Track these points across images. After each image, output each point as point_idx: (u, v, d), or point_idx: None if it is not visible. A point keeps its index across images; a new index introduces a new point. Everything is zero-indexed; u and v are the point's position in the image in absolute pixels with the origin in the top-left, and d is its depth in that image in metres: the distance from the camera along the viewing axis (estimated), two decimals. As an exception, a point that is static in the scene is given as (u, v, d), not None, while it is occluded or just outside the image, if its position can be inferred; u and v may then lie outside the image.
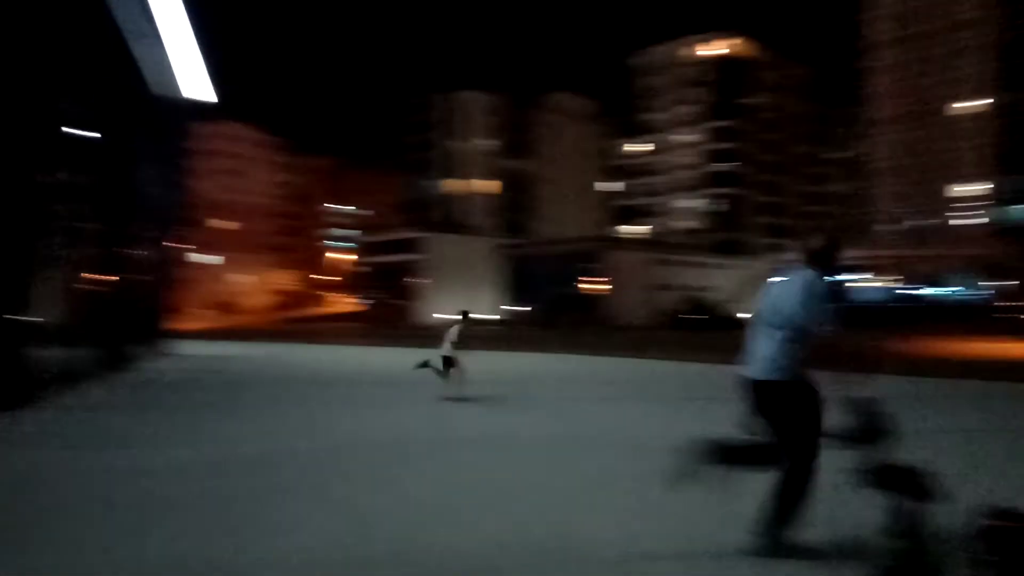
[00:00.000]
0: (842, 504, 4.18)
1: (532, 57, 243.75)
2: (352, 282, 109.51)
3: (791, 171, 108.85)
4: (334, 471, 6.30)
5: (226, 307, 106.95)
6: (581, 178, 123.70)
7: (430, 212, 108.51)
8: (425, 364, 12.38)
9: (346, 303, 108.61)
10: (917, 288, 68.67)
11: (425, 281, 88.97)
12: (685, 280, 78.48)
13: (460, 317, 12.69)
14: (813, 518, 3.82)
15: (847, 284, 72.69)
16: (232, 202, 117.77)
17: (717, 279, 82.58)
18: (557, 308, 71.79)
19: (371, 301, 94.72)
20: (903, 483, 2.36)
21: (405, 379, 13.50)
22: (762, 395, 4.04)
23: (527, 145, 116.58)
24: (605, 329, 58.86)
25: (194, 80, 17.93)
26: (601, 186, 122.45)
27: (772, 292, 4.27)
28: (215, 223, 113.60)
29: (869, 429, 2.44)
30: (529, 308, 77.61)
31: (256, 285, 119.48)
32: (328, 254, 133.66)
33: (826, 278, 4.08)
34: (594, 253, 77.17)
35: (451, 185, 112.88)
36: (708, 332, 55.48)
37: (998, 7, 75.98)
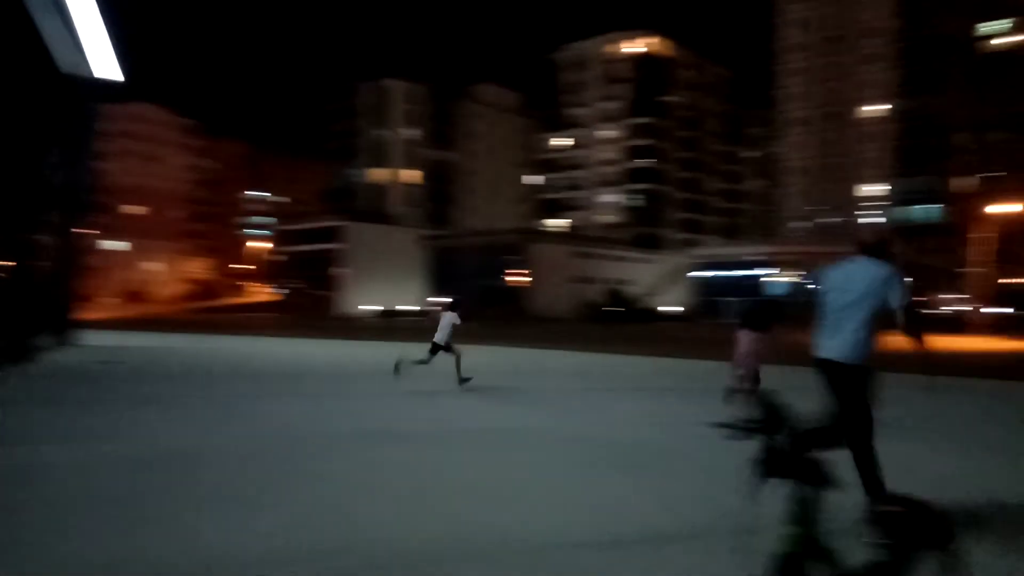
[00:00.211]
0: (747, 493, 4.37)
1: (458, 48, 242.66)
2: (269, 271, 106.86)
3: (707, 169, 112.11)
4: (258, 467, 6.18)
5: (136, 296, 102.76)
6: (506, 170, 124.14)
7: (353, 201, 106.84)
8: (397, 368, 12.39)
9: (264, 293, 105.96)
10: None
11: (346, 271, 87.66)
12: (606, 273, 79.96)
13: (451, 303, 12.93)
14: (721, 507, 4.03)
15: (761, 279, 75.53)
16: (143, 187, 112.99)
17: (636, 272, 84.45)
18: (480, 300, 72.00)
19: (288, 291, 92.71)
20: (801, 471, 2.41)
21: (328, 371, 13.32)
22: (839, 375, 4.48)
23: (452, 136, 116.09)
24: (528, 321, 59.38)
25: (102, 58, 17.13)
26: (526, 179, 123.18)
27: (839, 282, 4.66)
28: (125, 208, 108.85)
29: (770, 420, 2.43)
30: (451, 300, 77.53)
31: (168, 273, 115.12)
32: (247, 243, 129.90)
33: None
34: (517, 245, 77.65)
35: (375, 174, 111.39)
36: (628, 324, 56.76)
37: (900, 17, 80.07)
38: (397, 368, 12.52)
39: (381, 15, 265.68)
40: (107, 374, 13.59)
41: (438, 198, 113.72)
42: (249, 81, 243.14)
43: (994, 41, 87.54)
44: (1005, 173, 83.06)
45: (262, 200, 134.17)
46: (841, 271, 4.70)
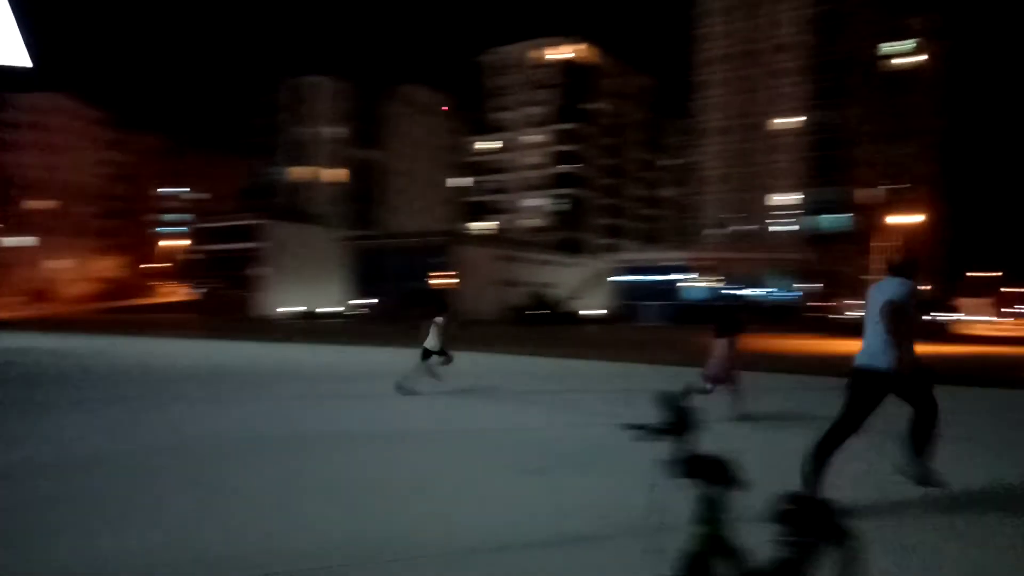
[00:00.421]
0: (658, 493, 4.65)
1: (386, 47, 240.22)
2: (184, 270, 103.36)
3: (629, 175, 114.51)
4: (168, 472, 6.15)
5: (41, 295, 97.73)
6: (432, 172, 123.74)
7: (274, 199, 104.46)
8: (400, 386, 12.15)
9: (178, 293, 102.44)
10: (738, 289, 74.48)
11: (266, 271, 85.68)
12: (530, 276, 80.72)
13: (435, 307, 13.03)
14: (634, 507, 4.28)
15: (678, 283, 77.67)
16: (50, 180, 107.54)
17: (560, 276, 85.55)
18: (405, 302, 71.57)
19: (204, 291, 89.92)
20: (708, 472, 2.48)
21: (243, 374, 13.16)
22: (870, 379, 5.12)
23: (378, 135, 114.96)
24: (453, 324, 59.53)
25: (7, 43, 16.41)
26: (452, 181, 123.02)
27: (874, 298, 5.27)
28: (30, 203, 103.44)
29: (678, 422, 2.54)
30: (375, 302, 76.81)
31: (76, 272, 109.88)
32: (161, 240, 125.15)
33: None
34: (443, 248, 77.54)
35: (297, 172, 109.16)
36: (552, 327, 57.49)
37: (810, 35, 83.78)
38: (402, 388, 12.08)
39: (307, 10, 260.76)
40: (9, 377, 13.08)
41: (363, 198, 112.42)
42: (167, 73, 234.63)
43: (896, 60, 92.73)
44: (906, 185, 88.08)
45: (178, 196, 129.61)
46: (876, 289, 5.33)
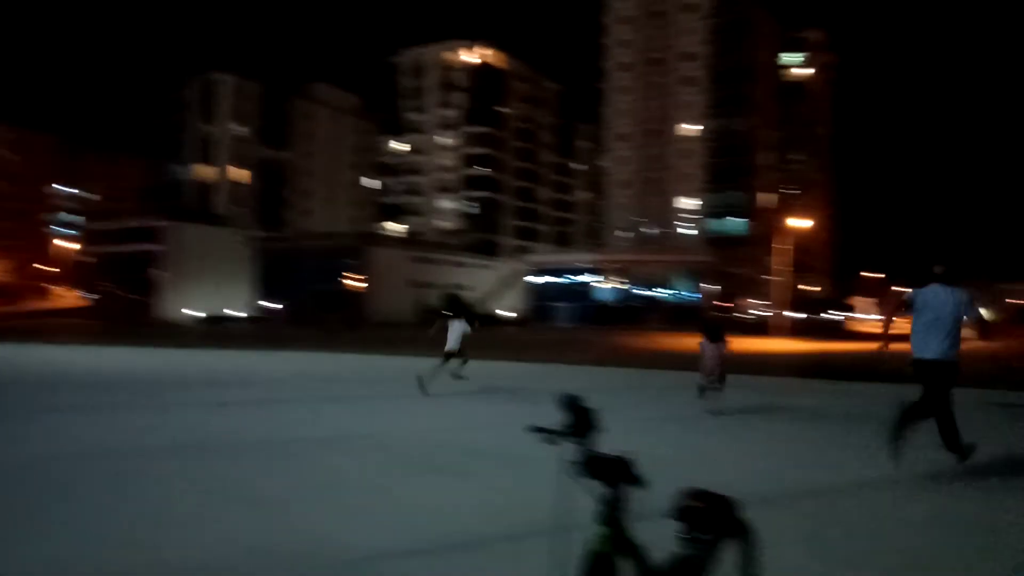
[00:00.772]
0: (561, 495, 4.89)
1: (294, 46, 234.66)
2: (78, 273, 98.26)
3: (541, 179, 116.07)
4: (71, 481, 6.12)
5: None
6: (343, 173, 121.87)
7: (177, 200, 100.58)
8: (421, 383, 12.22)
9: (72, 297, 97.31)
10: (644, 290, 76.76)
11: (167, 274, 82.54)
12: (444, 278, 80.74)
13: (459, 312, 13.73)
14: (539, 509, 4.39)
15: (590, 285, 79.38)
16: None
17: (474, 278, 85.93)
18: (315, 305, 70.36)
19: (100, 295, 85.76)
20: (610, 472, 2.52)
21: (133, 381, 12.83)
22: (936, 370, 6.21)
23: (287, 135, 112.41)
24: (365, 327, 58.84)
25: None
26: (364, 182, 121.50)
27: (931, 302, 6.31)
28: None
29: (580, 423, 2.56)
30: (283, 305, 75.16)
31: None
32: (54, 242, 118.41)
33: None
34: (354, 250, 76.65)
35: (201, 172, 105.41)
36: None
37: (713, 44, 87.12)
38: (421, 384, 12.40)
39: (215, 7, 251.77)
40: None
41: (271, 199, 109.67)
42: (65, 70, 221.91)
43: (790, 72, 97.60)
44: (799, 190, 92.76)
45: (73, 197, 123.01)
46: (930, 294, 6.36)
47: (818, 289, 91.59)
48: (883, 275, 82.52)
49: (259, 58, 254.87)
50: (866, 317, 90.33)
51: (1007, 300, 72.07)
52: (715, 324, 12.16)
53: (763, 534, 2.79)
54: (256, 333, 48.70)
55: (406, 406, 11.31)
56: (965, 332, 6.30)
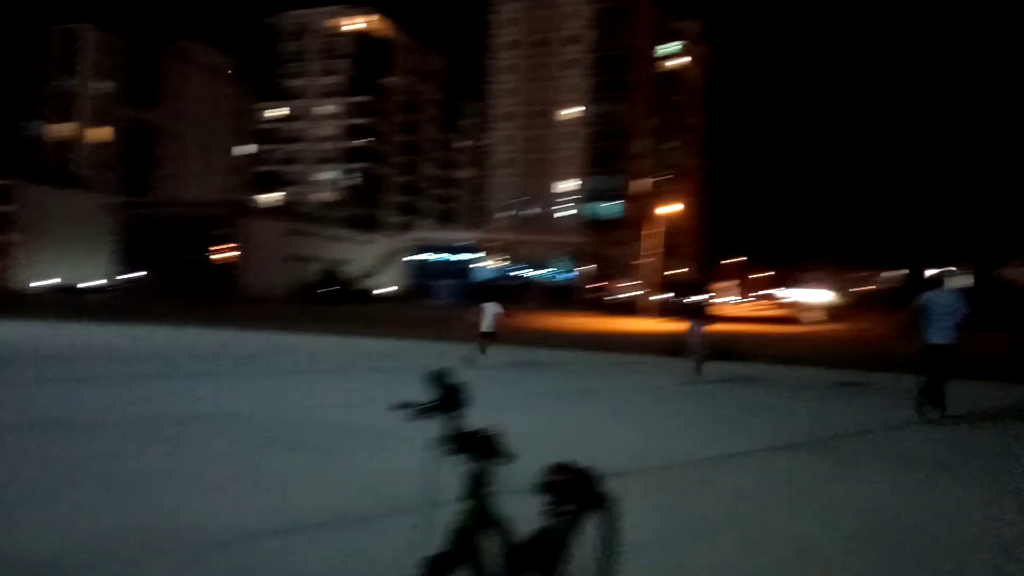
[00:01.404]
0: (427, 471, 4.91)
1: (165, 1, 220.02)
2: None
3: (424, 154, 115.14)
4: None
5: None
6: (216, 138, 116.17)
7: (31, 158, 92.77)
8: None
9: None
10: (523, 269, 78.11)
11: (17, 239, 76.39)
12: (322, 253, 78.89)
13: (492, 294, 15.38)
14: (406, 485, 4.62)
15: (470, 263, 79.88)
16: None
17: (353, 253, 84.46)
18: (182, 276, 67.13)
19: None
20: (476, 446, 2.53)
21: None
22: (944, 352, 8.83)
23: (154, 94, 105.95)
24: (236, 300, 56.80)
25: None
26: (238, 149, 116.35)
27: (939, 300, 9.01)
28: None
29: (447, 399, 2.56)
30: (146, 275, 71.18)
31: None
32: None
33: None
34: (226, 219, 73.53)
35: (58, 129, 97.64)
36: (343, 305, 56.74)
37: (595, 28, 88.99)
38: (466, 361, 13.56)
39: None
40: None
41: (136, 162, 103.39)
42: None
43: (667, 61, 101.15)
44: (672, 176, 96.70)
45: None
46: (940, 295, 9.08)
47: (685, 271, 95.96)
48: (743, 259, 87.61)
49: (127, 10, 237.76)
50: (724, 300, 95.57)
51: (851, 287, 78.40)
52: (697, 307, 14.79)
53: (622, 505, 2.97)
54: (117, 305, 46.08)
55: (282, 384, 11.24)
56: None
